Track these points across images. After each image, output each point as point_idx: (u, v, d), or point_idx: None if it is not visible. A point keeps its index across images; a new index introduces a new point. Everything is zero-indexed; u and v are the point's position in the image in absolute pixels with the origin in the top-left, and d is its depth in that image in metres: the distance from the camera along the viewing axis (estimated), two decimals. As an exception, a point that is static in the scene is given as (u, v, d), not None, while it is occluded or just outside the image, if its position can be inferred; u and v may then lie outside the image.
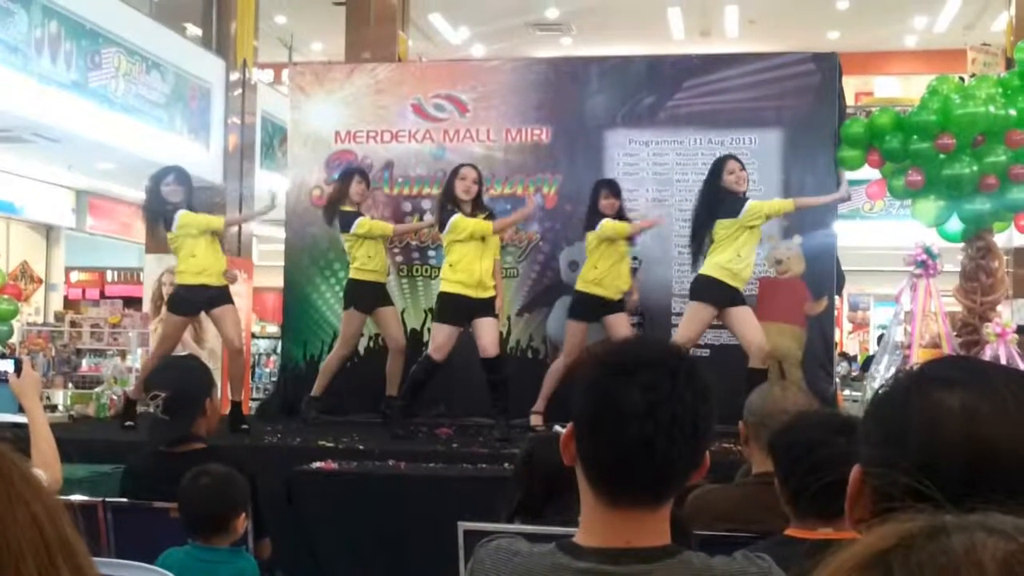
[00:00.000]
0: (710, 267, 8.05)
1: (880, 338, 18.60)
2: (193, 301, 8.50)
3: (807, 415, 3.35)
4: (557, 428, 6.97)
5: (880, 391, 1.43)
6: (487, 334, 8.11)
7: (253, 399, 14.69)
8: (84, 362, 11.89)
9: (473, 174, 8.29)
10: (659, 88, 9.76)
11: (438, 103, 9.99)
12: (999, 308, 9.49)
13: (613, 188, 8.64)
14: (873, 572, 0.74)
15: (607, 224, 8.41)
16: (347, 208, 8.78)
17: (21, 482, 1.00)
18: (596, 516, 1.90)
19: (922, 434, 1.31)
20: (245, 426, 8.33)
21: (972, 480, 1.22)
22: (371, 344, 9.66)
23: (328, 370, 9.01)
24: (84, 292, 21.30)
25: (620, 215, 8.55)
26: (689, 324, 8.18)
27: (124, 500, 4.47)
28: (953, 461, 1.27)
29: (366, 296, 8.82)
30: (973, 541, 0.72)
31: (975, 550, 0.72)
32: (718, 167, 8.20)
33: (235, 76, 14.82)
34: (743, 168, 8.21)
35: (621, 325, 8.42)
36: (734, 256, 7.98)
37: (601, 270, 8.45)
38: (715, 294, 8.04)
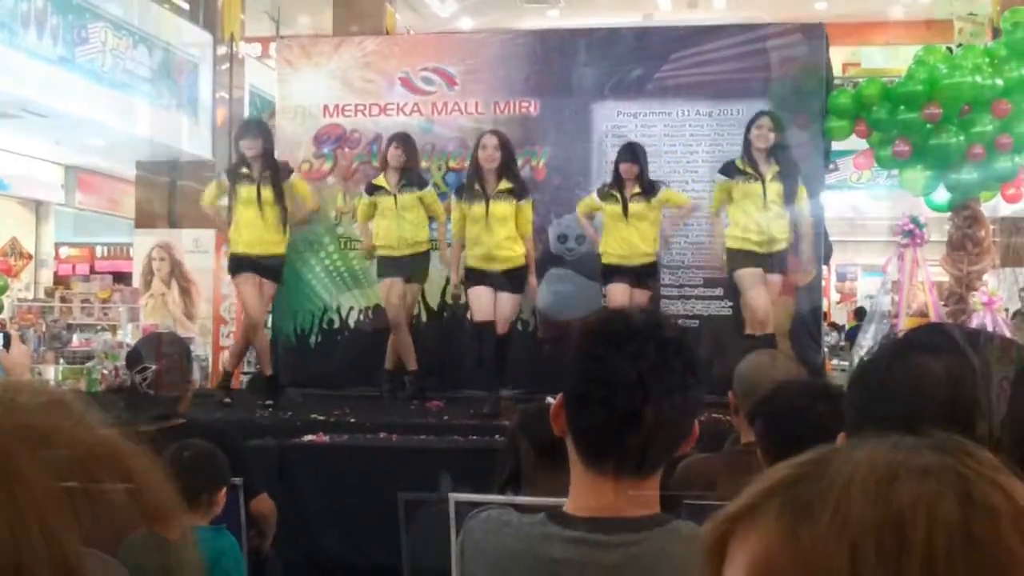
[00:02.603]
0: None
1: (858, 311, 18.66)
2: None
3: (788, 384, 3.38)
4: (549, 400, 7.01)
5: (865, 358, 1.45)
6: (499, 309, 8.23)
7: (244, 373, 14.72)
8: (75, 337, 11.88)
9: (494, 141, 8.35)
10: (647, 60, 9.74)
11: (426, 76, 9.96)
12: (985, 277, 9.53)
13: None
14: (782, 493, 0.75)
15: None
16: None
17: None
18: (586, 486, 1.92)
19: (906, 398, 1.33)
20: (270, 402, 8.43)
21: None
22: (360, 317, 9.67)
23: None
24: (74, 268, 21.22)
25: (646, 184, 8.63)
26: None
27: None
28: (936, 425, 1.29)
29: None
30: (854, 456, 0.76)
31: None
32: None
33: (222, 50, 14.77)
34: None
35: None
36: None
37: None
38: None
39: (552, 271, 9.41)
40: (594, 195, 8.71)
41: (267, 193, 8.43)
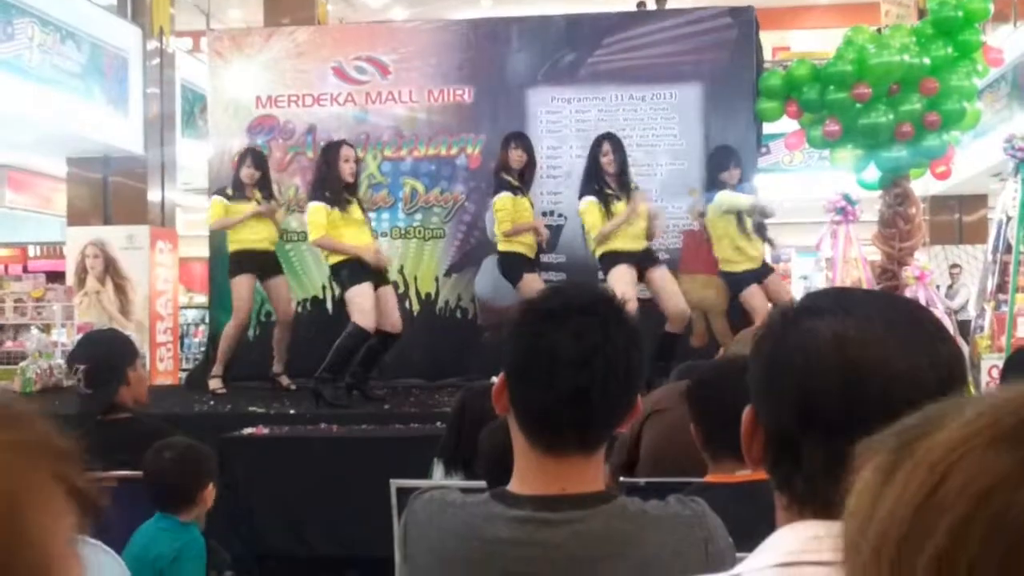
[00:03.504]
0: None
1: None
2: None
3: (717, 361, 3.41)
4: (493, 379, 7.02)
5: (760, 329, 1.46)
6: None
7: (183, 369, 14.61)
8: (8, 338, 11.73)
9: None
10: (579, 45, 9.77)
11: (359, 65, 9.93)
12: (917, 255, 9.65)
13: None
14: (1010, 443, 0.62)
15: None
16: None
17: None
18: (530, 464, 1.91)
19: (798, 365, 1.33)
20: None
21: (849, 404, 1.26)
22: (299, 309, 9.63)
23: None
24: (7, 268, 20.94)
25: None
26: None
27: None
28: (829, 388, 1.29)
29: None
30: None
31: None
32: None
33: (152, 45, 14.60)
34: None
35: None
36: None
37: None
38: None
39: (490, 258, 9.41)
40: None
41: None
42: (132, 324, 12.73)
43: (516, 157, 8.54)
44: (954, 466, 0.61)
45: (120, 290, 13.37)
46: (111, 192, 14.47)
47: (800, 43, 23.20)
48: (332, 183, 8.01)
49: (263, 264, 8.77)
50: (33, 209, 18.79)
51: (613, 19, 10.17)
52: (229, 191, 8.78)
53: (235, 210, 8.65)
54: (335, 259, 8.09)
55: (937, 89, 8.93)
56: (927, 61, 8.94)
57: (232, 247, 8.76)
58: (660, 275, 8.33)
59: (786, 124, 9.84)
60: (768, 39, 14.45)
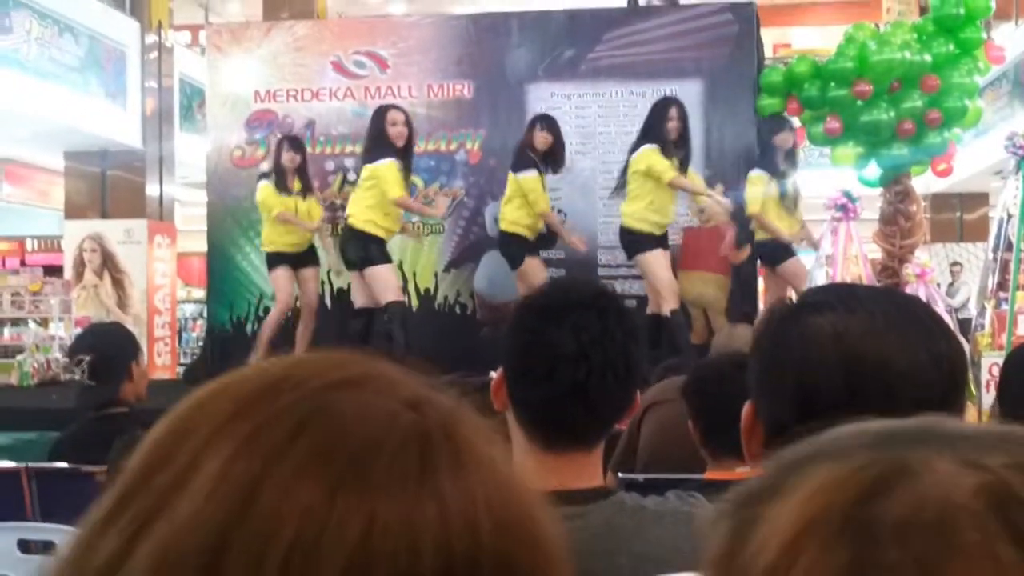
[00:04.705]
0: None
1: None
2: None
3: (715, 357, 3.39)
4: (492, 375, 7.00)
5: (760, 325, 1.45)
6: None
7: (180, 364, 14.60)
8: (6, 331, 11.72)
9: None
10: (579, 41, 9.75)
11: (358, 60, 9.90)
12: (917, 252, 9.62)
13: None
14: (845, 539, 0.58)
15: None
16: None
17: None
18: (529, 460, 1.88)
19: (798, 360, 1.33)
20: None
21: (850, 400, 1.25)
22: (297, 304, 9.60)
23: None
24: (4, 261, 20.92)
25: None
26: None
27: (47, 465, 4.40)
28: (830, 383, 1.29)
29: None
30: (943, 480, 0.57)
31: (952, 490, 0.57)
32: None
33: (151, 39, 14.57)
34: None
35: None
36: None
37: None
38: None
39: (489, 253, 9.39)
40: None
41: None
42: (130, 318, 12.69)
43: (542, 139, 8.57)
44: (793, 565, 0.58)
45: (118, 284, 13.35)
46: (109, 186, 14.45)
47: (801, 40, 23.18)
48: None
49: (298, 255, 9.05)
50: (31, 203, 18.78)
51: (614, 14, 10.16)
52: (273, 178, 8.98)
53: (280, 203, 8.84)
54: (361, 230, 8.36)
55: (938, 86, 8.90)
56: (928, 58, 8.92)
57: (267, 248, 9.07)
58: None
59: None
60: (769, 36, 14.44)
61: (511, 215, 8.58)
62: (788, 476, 0.63)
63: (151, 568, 0.61)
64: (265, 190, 8.90)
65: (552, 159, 8.70)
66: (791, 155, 8.98)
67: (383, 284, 8.39)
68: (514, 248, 8.63)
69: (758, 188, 8.77)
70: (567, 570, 0.69)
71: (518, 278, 8.47)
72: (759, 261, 9.22)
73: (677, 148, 8.46)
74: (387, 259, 8.55)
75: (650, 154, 8.31)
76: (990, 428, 0.63)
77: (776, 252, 8.84)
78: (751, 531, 0.61)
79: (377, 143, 8.44)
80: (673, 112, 8.47)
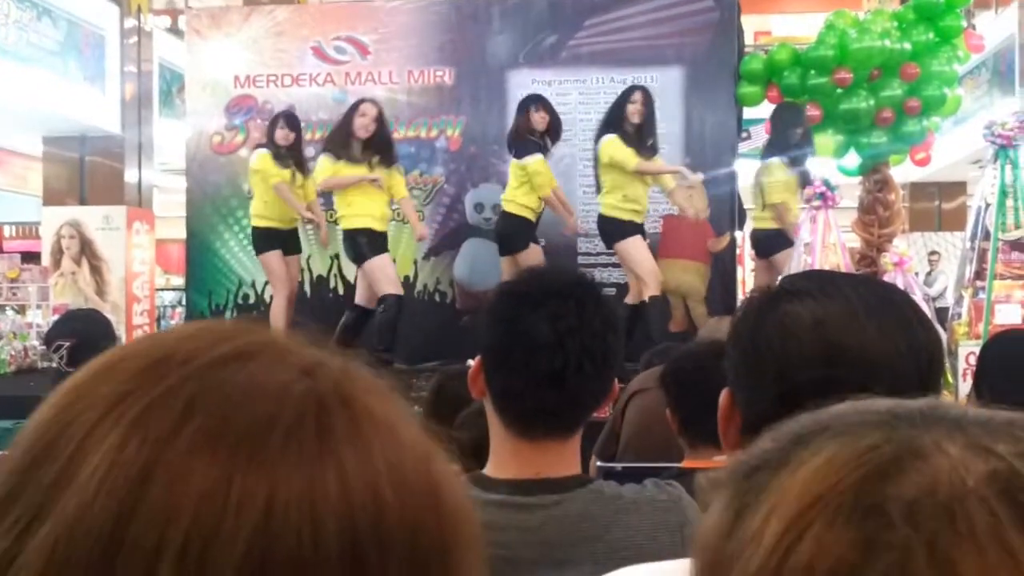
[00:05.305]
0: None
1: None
2: None
3: (693, 346, 3.39)
4: (470, 362, 7.00)
5: (738, 313, 1.44)
6: None
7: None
8: (-18, 318, 11.65)
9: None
10: (560, 27, 9.74)
11: (339, 45, 9.87)
12: (896, 241, 9.65)
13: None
14: (855, 517, 0.58)
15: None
16: None
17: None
18: (506, 448, 1.90)
19: (776, 347, 1.33)
20: None
21: (828, 388, 1.25)
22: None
23: None
24: (-19, 248, 20.83)
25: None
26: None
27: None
28: (809, 370, 1.28)
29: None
30: (955, 464, 0.58)
31: (963, 475, 0.58)
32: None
33: (130, 23, 14.48)
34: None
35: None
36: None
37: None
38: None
39: (469, 241, 9.38)
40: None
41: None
42: (108, 306, 12.63)
43: (539, 119, 8.57)
44: (799, 540, 0.58)
45: (96, 271, 13.27)
46: (87, 172, 14.36)
47: (782, 27, 23.20)
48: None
49: (286, 240, 8.93)
50: (8, 188, 18.66)
51: (596, 1, 10.14)
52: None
53: (278, 173, 8.75)
54: (350, 225, 8.38)
55: (918, 75, 8.94)
56: (908, 47, 8.95)
57: (257, 223, 8.89)
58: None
59: (767, 109, 9.81)
60: (750, 23, 14.45)
61: (522, 199, 8.56)
62: (794, 450, 0.64)
63: (42, 570, 0.59)
64: (264, 159, 8.77)
65: (552, 136, 8.73)
66: (806, 144, 8.97)
67: (380, 275, 8.39)
68: (520, 232, 8.61)
69: (779, 178, 8.78)
70: (473, 530, 0.68)
71: (516, 265, 8.44)
72: (754, 250, 9.27)
73: (641, 132, 8.45)
74: (382, 250, 8.54)
75: (610, 145, 8.35)
76: (995, 413, 0.64)
77: (773, 242, 8.84)
78: (753, 502, 0.61)
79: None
80: (637, 96, 8.49)
